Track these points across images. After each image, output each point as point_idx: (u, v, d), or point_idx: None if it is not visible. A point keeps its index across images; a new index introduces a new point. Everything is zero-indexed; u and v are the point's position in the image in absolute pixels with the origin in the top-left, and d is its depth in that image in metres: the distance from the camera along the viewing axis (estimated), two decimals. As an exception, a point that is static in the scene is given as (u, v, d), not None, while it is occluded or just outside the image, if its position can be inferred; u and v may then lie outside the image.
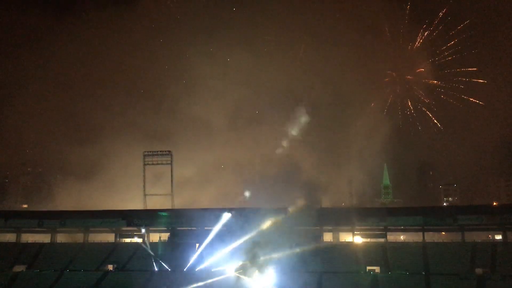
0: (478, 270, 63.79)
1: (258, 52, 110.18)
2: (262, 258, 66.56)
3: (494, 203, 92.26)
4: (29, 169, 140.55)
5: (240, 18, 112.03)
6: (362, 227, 74.73)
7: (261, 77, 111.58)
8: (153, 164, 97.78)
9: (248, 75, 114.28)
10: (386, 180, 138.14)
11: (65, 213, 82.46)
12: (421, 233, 73.26)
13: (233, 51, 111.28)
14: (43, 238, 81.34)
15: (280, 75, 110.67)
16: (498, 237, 73.77)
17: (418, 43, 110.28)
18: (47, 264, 74.38)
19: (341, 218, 73.34)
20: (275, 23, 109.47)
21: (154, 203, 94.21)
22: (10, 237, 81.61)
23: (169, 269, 71.05)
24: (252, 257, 66.63)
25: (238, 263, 68.14)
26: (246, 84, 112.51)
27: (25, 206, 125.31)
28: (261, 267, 66.87)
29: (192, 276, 68.56)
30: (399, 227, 76.12)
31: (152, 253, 73.40)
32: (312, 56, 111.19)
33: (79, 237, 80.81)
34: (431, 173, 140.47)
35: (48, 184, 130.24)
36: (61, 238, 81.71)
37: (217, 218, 74.07)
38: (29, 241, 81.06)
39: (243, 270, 67.41)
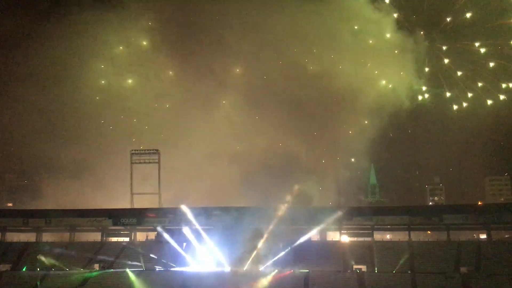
0: (463, 269, 64.57)
1: (250, 48, 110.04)
2: (261, 252, 66.69)
3: (479, 203, 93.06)
4: (14, 167, 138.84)
5: (226, 18, 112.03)
6: (349, 226, 75.20)
7: (255, 73, 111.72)
8: (140, 163, 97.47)
9: (239, 72, 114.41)
10: (373, 180, 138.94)
11: (50, 212, 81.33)
12: (407, 232, 73.85)
13: (222, 48, 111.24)
14: (28, 237, 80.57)
15: (271, 71, 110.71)
16: (483, 236, 74.77)
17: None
18: (32, 264, 73.57)
19: (328, 217, 73.72)
20: (266, 21, 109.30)
21: (141, 202, 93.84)
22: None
23: (156, 269, 70.89)
24: (251, 248, 66.60)
25: (233, 255, 68.10)
26: (237, 80, 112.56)
27: (10, 204, 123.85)
28: (258, 261, 67.05)
29: (181, 275, 68.47)
30: (385, 226, 76.76)
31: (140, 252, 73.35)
32: (304, 55, 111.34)
33: (65, 236, 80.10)
34: (417, 172, 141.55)
35: (34, 182, 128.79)
36: (46, 237, 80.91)
37: (205, 216, 74.24)
38: (14, 240, 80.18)
39: (239, 262, 67.29)
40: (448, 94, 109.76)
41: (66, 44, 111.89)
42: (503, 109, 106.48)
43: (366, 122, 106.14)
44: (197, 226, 72.85)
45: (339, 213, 70.80)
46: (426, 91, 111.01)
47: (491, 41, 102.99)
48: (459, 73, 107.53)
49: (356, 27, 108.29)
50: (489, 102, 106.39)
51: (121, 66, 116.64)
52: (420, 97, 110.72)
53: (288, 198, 69.86)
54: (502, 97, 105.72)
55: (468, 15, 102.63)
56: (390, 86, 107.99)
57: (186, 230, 74.24)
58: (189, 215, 72.96)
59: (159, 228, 76.14)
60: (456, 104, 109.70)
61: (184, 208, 73.05)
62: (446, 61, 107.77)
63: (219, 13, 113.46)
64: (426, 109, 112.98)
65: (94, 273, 70.36)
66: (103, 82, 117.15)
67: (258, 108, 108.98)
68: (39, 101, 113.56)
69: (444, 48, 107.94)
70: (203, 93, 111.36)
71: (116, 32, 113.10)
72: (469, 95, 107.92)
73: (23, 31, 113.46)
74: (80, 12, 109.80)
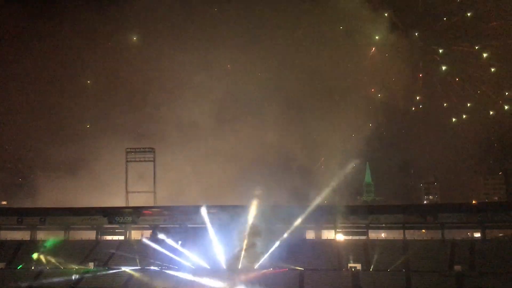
0: (457, 267, 64.82)
1: (242, 46, 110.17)
2: (256, 249, 66.69)
3: (473, 201, 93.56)
4: (8, 165, 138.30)
5: (220, 14, 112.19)
6: (344, 225, 75.38)
7: (246, 70, 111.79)
8: (135, 161, 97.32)
9: (233, 69, 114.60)
10: (368, 178, 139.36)
11: (45, 210, 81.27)
12: (402, 231, 74.11)
13: (216, 45, 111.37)
14: (23, 235, 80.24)
15: (265, 69, 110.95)
16: (477, 234, 75.13)
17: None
18: (26, 262, 73.29)
19: (323, 215, 74.00)
20: (258, 18, 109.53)
21: (137, 201, 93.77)
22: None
23: (152, 267, 70.77)
24: (250, 245, 66.59)
25: (229, 253, 68.04)
26: (231, 78, 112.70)
27: (4, 202, 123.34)
28: (253, 258, 67.05)
29: (176, 273, 68.38)
30: (380, 225, 76.98)
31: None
32: (297, 51, 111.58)
33: (59, 235, 79.85)
34: (412, 171, 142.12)
35: (28, 180, 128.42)
36: (41, 235, 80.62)
37: (199, 215, 74.18)
38: (8, 239, 79.89)
39: (235, 260, 67.27)
40: (446, 102, 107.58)
41: (59, 42, 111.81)
42: (499, 108, 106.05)
43: (370, 125, 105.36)
44: (208, 225, 71.81)
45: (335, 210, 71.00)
46: (420, 102, 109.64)
47: (491, 42, 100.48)
48: (456, 79, 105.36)
49: (341, 27, 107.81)
50: (491, 112, 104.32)
51: (113, 62, 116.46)
52: (413, 108, 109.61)
53: (285, 196, 70.06)
54: (506, 107, 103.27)
55: (468, 14, 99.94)
56: (379, 95, 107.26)
57: (182, 228, 74.56)
58: (206, 216, 72.32)
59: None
60: (454, 117, 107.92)
61: (203, 209, 72.44)
62: (443, 67, 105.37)
63: (213, 8, 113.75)
64: (421, 107, 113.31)
65: (90, 271, 70.27)
66: (88, 82, 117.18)
67: (253, 106, 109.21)
68: (33, 99, 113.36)
69: (440, 51, 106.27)
70: (197, 89, 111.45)
71: (109, 27, 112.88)
72: (469, 104, 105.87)
73: (17, 30, 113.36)
74: (73, 10, 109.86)
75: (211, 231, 70.48)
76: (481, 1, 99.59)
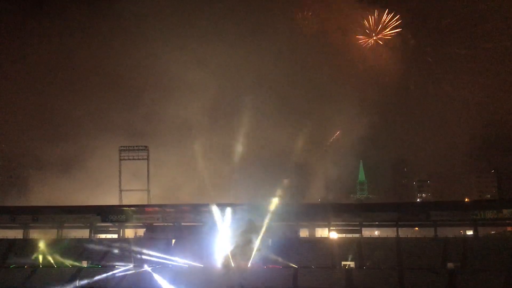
0: (450, 265, 65.26)
1: (236, 43, 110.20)
2: (250, 247, 66.76)
3: (466, 199, 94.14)
4: (1, 163, 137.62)
5: (214, 12, 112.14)
6: (338, 223, 75.62)
7: (240, 68, 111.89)
8: (129, 159, 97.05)
9: (226, 67, 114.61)
10: (362, 176, 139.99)
11: (38, 209, 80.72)
12: (395, 229, 74.46)
13: (209, 43, 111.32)
14: (16, 234, 79.82)
15: (259, 66, 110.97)
16: (470, 232, 75.65)
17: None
18: (19, 261, 72.91)
19: (317, 213, 74.23)
20: (252, 15, 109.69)
21: (130, 199, 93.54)
22: (-19, 233, 79.83)
23: (145, 265, 70.72)
24: (246, 241, 66.64)
25: (228, 249, 68.06)
26: (224, 76, 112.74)
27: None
28: (247, 256, 67.12)
29: (171, 271, 68.34)
30: (373, 223, 77.30)
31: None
32: (291, 49, 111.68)
33: (53, 233, 79.46)
34: (405, 169, 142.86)
35: (21, 179, 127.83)
36: (34, 234, 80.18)
37: (194, 213, 74.21)
38: (0, 237, 79.42)
39: (229, 258, 67.28)
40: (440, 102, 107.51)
41: (53, 41, 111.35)
42: (491, 107, 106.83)
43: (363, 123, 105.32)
44: (218, 223, 71.24)
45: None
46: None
47: (485, 45, 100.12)
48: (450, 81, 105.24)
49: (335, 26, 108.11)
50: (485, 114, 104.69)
51: (107, 60, 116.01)
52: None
53: (279, 194, 70.22)
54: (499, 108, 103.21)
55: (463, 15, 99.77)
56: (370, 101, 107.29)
57: (175, 227, 74.45)
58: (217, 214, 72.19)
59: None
60: (449, 117, 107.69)
61: (214, 207, 72.37)
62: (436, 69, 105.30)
63: (207, 6, 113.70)
64: (415, 106, 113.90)
65: (83, 269, 70.06)
66: (82, 80, 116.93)
67: (247, 103, 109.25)
68: (26, 98, 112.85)
69: (433, 53, 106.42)
70: (191, 87, 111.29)
71: (103, 25, 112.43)
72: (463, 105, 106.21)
73: (12, 26, 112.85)
74: (66, 8, 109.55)
75: (221, 229, 70.05)
76: (476, 2, 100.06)
